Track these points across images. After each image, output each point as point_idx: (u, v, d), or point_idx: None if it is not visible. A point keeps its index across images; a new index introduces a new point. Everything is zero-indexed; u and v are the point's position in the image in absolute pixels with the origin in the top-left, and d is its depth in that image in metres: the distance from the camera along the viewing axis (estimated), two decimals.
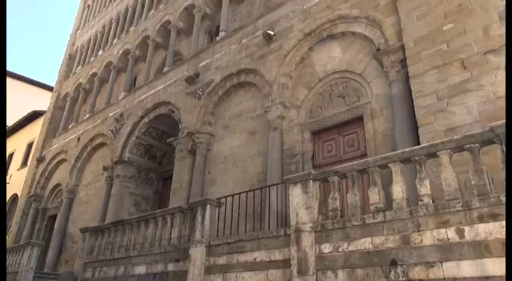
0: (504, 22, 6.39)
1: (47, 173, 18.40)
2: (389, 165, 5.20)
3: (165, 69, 14.33)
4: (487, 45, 6.50)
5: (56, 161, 18.24)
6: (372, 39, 8.62)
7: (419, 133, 6.71)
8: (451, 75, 6.71)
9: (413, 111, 6.99)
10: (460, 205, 4.40)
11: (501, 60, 6.23)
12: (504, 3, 6.54)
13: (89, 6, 23.88)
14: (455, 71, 6.69)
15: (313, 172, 5.96)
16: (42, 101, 26.18)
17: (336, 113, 8.82)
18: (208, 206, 7.35)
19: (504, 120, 4.33)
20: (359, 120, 8.41)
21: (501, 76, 6.14)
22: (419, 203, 4.76)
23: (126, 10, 19.60)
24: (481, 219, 4.22)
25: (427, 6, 7.56)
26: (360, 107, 8.45)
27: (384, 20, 8.41)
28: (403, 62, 7.64)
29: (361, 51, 8.94)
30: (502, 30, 6.39)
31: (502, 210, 4.09)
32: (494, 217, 4.14)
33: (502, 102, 5.93)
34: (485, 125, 5.33)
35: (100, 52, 19.87)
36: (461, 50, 6.75)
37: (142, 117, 14.13)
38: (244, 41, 11.54)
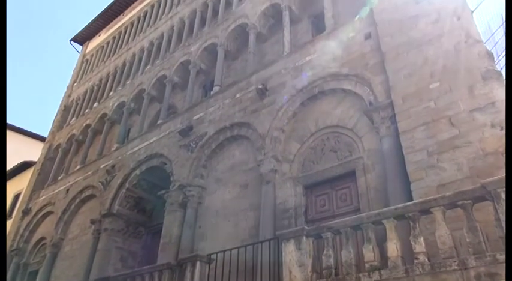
0: (487, 82, 6.69)
1: (31, 226, 17.74)
2: (383, 221, 5.16)
3: (159, 121, 14.49)
4: (472, 103, 6.73)
5: (42, 213, 17.70)
6: (361, 96, 8.90)
7: (411, 188, 6.72)
8: (439, 132, 6.86)
9: (405, 166, 7.05)
10: (456, 263, 4.32)
11: (487, 118, 6.43)
12: (486, 65, 6.89)
13: (87, 60, 24.62)
14: (443, 127, 6.86)
15: (306, 227, 5.87)
16: (33, 151, 25.96)
17: (328, 168, 8.86)
18: (198, 262, 7.13)
19: (494, 177, 4.39)
20: (351, 174, 8.43)
21: (488, 133, 6.30)
22: (415, 261, 4.66)
23: (124, 65, 20.18)
24: (479, 279, 4.13)
25: (413, 66, 7.91)
26: (352, 162, 8.52)
27: (372, 79, 8.74)
28: (393, 119, 7.83)
29: (351, 107, 9.18)
30: (486, 90, 6.66)
31: (499, 269, 4.01)
32: (491, 277, 4.05)
33: (491, 159, 6.04)
34: (476, 181, 5.37)
35: (95, 104, 20.14)
36: (448, 108, 6.98)
37: (134, 169, 14.02)
38: (238, 95, 11.83)
